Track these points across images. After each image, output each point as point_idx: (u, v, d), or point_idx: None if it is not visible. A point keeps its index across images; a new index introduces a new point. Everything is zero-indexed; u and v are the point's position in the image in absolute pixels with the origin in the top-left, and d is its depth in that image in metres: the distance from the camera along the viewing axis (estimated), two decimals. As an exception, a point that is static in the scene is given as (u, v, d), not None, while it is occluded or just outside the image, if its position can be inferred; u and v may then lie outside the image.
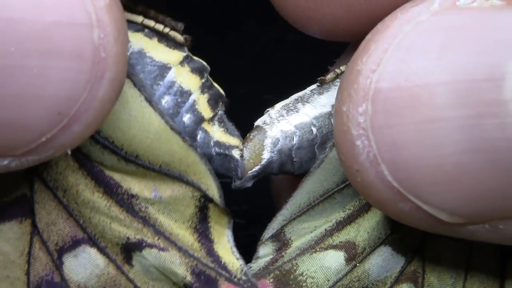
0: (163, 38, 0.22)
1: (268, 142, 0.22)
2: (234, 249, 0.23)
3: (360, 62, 0.18)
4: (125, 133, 0.21)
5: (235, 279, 0.22)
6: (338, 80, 0.23)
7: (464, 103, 0.17)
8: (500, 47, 0.17)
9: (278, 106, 0.23)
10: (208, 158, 0.22)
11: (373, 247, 0.23)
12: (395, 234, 0.23)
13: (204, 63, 0.22)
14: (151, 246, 0.22)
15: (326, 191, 0.22)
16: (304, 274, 0.23)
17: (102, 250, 0.22)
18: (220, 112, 0.22)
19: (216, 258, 0.22)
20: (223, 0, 0.36)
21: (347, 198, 0.23)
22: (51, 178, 0.22)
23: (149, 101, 0.21)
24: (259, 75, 0.38)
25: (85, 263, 0.22)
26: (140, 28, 0.22)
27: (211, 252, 0.22)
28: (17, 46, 0.16)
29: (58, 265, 0.22)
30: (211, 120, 0.22)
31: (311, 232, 0.23)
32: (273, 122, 0.23)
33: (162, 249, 0.22)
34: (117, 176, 0.22)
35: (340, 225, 0.23)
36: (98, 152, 0.21)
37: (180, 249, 0.22)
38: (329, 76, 0.23)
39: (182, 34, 0.22)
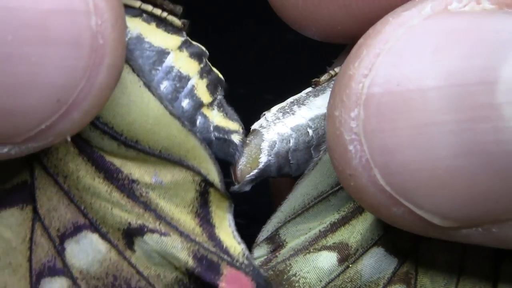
0: (161, 23, 0.22)
1: (265, 145, 0.22)
2: (236, 233, 0.23)
3: (352, 67, 0.18)
4: (124, 118, 0.21)
5: (237, 263, 0.22)
6: (333, 81, 0.23)
7: (457, 107, 0.17)
8: (492, 51, 0.17)
9: (274, 109, 0.23)
10: (207, 142, 0.22)
11: (365, 248, 0.23)
12: (388, 235, 0.23)
13: (203, 48, 0.22)
14: (152, 231, 0.22)
15: (320, 194, 0.23)
16: (297, 275, 0.23)
17: (103, 236, 0.22)
18: (219, 97, 0.22)
19: (217, 243, 0.22)
20: (223, 0, 0.36)
21: (341, 200, 0.23)
22: (51, 164, 0.22)
23: (148, 86, 0.21)
24: (259, 75, 0.38)
25: (87, 248, 0.22)
26: (138, 13, 0.21)
27: (212, 236, 0.22)
28: (15, 34, 0.16)
29: (60, 251, 0.22)
30: (210, 105, 0.22)
31: (306, 233, 0.23)
32: (269, 125, 0.23)
33: (164, 234, 0.22)
34: (117, 162, 0.22)
35: (334, 227, 0.23)
36: (98, 138, 0.21)
37: (181, 234, 0.22)
38: (323, 77, 0.23)
39: (180, 18, 0.22)
